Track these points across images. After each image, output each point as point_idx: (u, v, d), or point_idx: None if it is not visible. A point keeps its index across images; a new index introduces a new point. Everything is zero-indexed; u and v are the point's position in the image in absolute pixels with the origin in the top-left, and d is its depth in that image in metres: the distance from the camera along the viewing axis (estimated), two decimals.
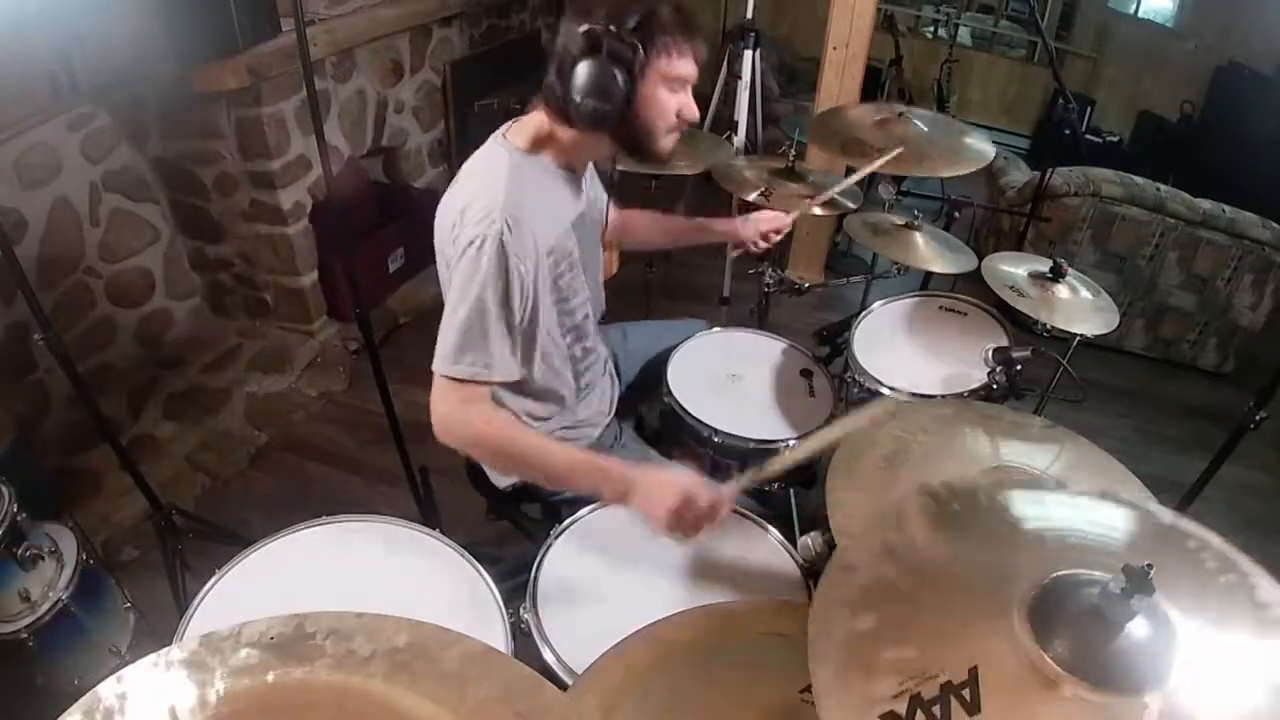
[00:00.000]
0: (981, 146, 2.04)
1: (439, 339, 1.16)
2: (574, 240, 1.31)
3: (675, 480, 1.08)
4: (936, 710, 0.63)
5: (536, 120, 1.25)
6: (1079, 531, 0.79)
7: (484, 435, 1.17)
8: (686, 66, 1.19)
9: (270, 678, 0.61)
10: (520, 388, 1.33)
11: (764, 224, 1.76)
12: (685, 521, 1.07)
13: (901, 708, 0.63)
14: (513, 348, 1.18)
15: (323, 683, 0.62)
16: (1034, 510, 0.82)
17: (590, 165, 1.40)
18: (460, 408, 1.15)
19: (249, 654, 0.62)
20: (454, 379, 1.14)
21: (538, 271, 1.21)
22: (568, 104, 1.16)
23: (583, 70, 1.13)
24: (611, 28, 1.11)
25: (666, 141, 1.24)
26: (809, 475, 1.72)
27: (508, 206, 1.15)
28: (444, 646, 0.65)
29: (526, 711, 0.61)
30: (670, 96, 1.20)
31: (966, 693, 0.63)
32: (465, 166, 1.27)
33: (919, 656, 0.66)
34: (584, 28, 1.12)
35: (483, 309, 1.13)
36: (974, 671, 0.65)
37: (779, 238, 1.79)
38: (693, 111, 1.24)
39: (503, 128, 1.29)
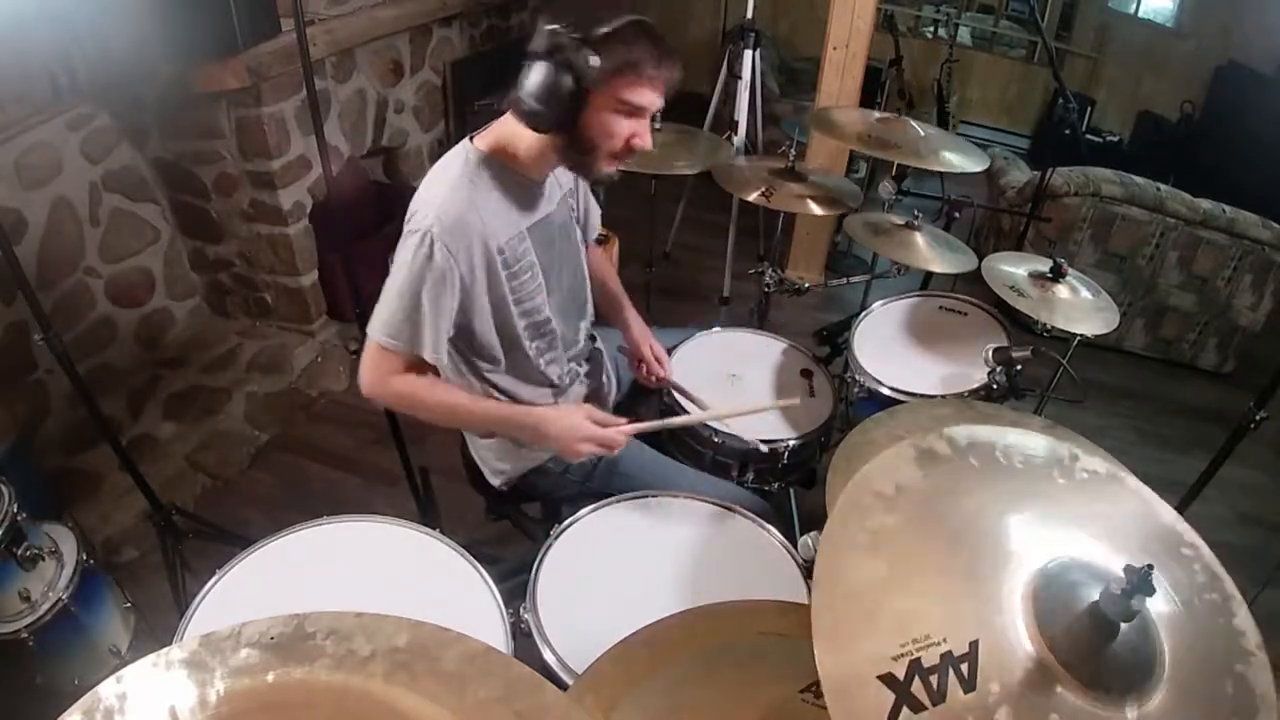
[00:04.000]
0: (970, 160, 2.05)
1: (378, 304, 1.24)
2: (529, 244, 1.31)
3: (577, 419, 1.27)
4: (934, 680, 0.62)
5: (505, 123, 1.26)
6: (1087, 511, 0.78)
7: (405, 395, 1.27)
8: (647, 95, 1.17)
9: (270, 678, 0.61)
10: (499, 384, 1.39)
11: (654, 349, 1.59)
12: (593, 448, 1.27)
13: (901, 671, 0.62)
14: (437, 337, 1.23)
15: (323, 683, 0.62)
16: (1046, 482, 0.80)
17: (579, 179, 1.42)
18: (384, 372, 1.25)
19: (249, 654, 0.62)
20: (384, 347, 1.23)
21: (478, 270, 1.23)
22: (518, 103, 1.16)
23: (534, 70, 1.13)
24: (574, 34, 1.10)
25: (607, 165, 1.24)
26: (809, 475, 1.72)
27: (446, 206, 1.19)
28: (444, 646, 0.65)
29: (526, 711, 0.61)
30: (621, 120, 1.18)
31: (965, 668, 0.63)
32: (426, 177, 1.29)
33: (923, 617, 0.66)
34: (549, 27, 1.12)
35: (415, 297, 1.19)
36: (975, 645, 0.64)
37: (654, 375, 1.59)
38: (645, 142, 1.22)
39: (479, 130, 1.30)
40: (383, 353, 1.23)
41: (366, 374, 1.26)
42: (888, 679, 0.62)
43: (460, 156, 1.26)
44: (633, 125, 1.20)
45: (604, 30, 1.12)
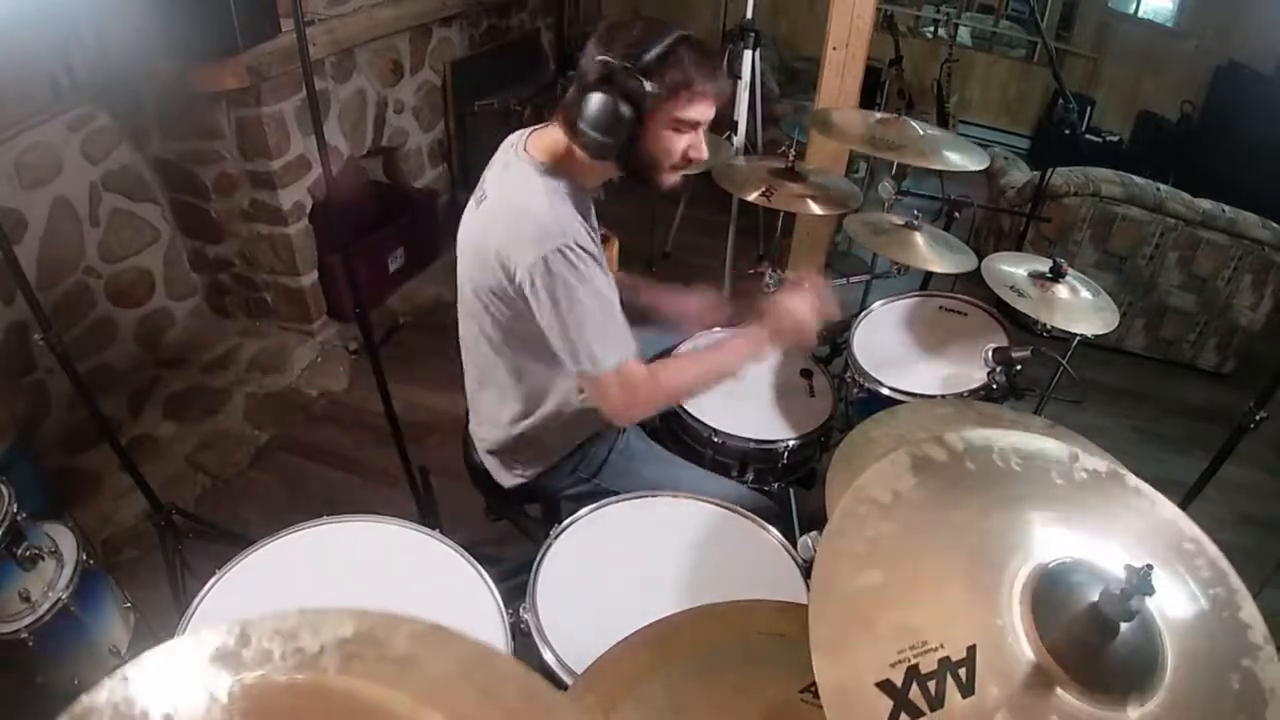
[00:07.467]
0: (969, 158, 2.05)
1: (571, 350, 1.20)
2: (598, 249, 1.31)
3: (798, 312, 1.36)
4: (932, 686, 0.62)
5: (554, 136, 1.25)
6: (1087, 511, 0.78)
7: (658, 394, 1.29)
8: (700, 110, 1.19)
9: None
10: (547, 386, 1.37)
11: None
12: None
13: (898, 678, 0.63)
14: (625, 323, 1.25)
15: (282, 684, 0.61)
16: (1045, 484, 0.80)
17: None
18: (627, 391, 1.23)
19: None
20: (624, 364, 1.21)
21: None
22: (577, 130, 1.17)
23: (592, 101, 1.13)
24: (627, 64, 1.12)
25: (669, 178, 1.26)
26: (809, 475, 1.72)
27: (562, 220, 1.20)
28: (441, 647, 0.65)
29: (518, 706, 0.61)
30: (678, 137, 1.21)
31: (963, 672, 0.63)
32: (497, 194, 1.26)
33: (921, 624, 0.66)
34: (601, 57, 1.13)
35: (598, 302, 1.19)
36: (972, 650, 0.64)
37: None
38: (701, 152, 1.24)
39: (518, 138, 1.29)
40: (625, 370, 1.21)
41: (623, 401, 1.24)
42: (885, 686, 0.62)
43: (530, 171, 1.24)
44: (688, 139, 1.22)
45: (654, 54, 1.13)
